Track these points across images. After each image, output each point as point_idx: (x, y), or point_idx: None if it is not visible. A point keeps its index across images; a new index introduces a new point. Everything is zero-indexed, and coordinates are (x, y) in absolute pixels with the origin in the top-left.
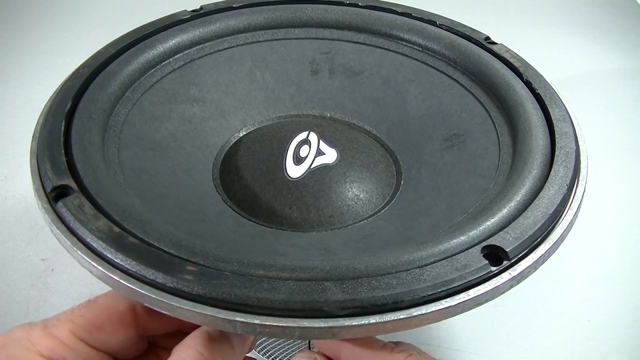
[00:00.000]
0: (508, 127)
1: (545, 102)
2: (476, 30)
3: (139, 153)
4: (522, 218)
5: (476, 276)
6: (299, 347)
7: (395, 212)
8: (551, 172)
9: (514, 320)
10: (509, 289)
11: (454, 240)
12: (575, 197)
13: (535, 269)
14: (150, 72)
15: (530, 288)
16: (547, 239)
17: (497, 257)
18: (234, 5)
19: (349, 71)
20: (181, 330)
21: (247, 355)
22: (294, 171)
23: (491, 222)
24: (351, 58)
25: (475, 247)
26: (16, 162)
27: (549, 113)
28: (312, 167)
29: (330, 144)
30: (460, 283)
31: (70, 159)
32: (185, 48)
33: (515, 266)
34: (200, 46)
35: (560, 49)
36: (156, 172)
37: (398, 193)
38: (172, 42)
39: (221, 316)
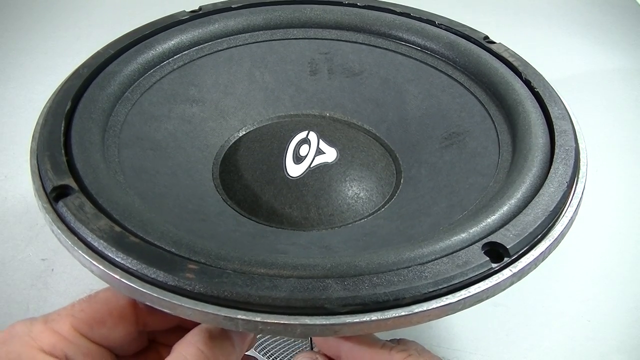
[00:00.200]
0: (507, 125)
1: (545, 100)
2: (475, 30)
3: (139, 153)
4: (523, 215)
5: (477, 273)
6: (298, 347)
7: (396, 211)
8: (551, 170)
9: (514, 320)
10: (510, 285)
11: (455, 238)
12: (575, 195)
13: (536, 265)
14: (149, 72)
15: (530, 288)
16: (548, 236)
17: (497, 254)
18: (232, 6)
19: (348, 71)
20: (181, 327)
21: (246, 354)
22: (294, 170)
23: (492, 219)
24: (350, 58)
25: (476, 244)
26: (16, 162)
27: (548, 111)
28: (312, 166)
29: (330, 143)
30: (461, 280)
31: (71, 158)
32: (185, 48)
33: (516, 263)
34: (200, 47)
35: (560, 49)
36: (156, 172)
37: (398, 192)
38: (171, 43)
39: (223, 314)
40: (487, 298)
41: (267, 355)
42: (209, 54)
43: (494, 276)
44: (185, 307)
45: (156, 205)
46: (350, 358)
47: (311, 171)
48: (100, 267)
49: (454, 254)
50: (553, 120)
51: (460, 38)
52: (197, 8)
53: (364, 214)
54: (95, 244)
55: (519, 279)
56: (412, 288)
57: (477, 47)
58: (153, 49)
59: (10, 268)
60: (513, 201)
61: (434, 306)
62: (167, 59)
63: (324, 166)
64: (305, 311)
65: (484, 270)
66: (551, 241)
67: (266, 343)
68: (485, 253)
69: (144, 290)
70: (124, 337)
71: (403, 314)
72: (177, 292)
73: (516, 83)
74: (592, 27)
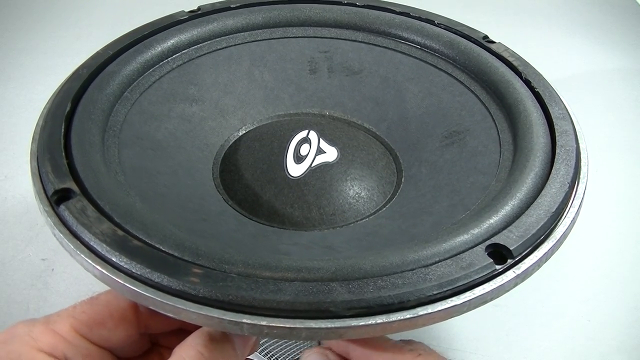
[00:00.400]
0: (508, 124)
1: (545, 100)
2: (474, 29)
3: (139, 153)
4: (525, 216)
5: (481, 275)
6: (300, 348)
7: (397, 210)
8: (552, 171)
9: (514, 320)
10: (514, 287)
11: (458, 239)
12: (576, 195)
13: (539, 266)
14: (148, 71)
15: (531, 288)
16: (550, 237)
17: (501, 255)
18: (231, 6)
19: (348, 70)
20: (183, 329)
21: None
22: (295, 170)
23: (494, 220)
24: (350, 57)
25: (480, 245)
26: (16, 162)
27: (549, 111)
28: (312, 165)
29: (331, 142)
30: (465, 282)
31: (71, 161)
32: (184, 48)
33: (520, 264)
34: (199, 46)
35: (560, 49)
36: (157, 171)
37: (399, 191)
38: (170, 42)
39: (228, 318)
40: (491, 300)
41: (268, 356)
42: (208, 53)
43: (497, 278)
44: (189, 312)
45: (157, 205)
46: (359, 356)
47: (312, 171)
48: (104, 271)
49: (458, 255)
50: (553, 120)
51: (460, 37)
52: (195, 8)
53: (366, 214)
54: (99, 248)
55: (523, 280)
56: (417, 291)
57: (477, 46)
58: (152, 49)
59: (10, 268)
60: (515, 202)
61: (439, 308)
62: (166, 58)
63: (324, 165)
64: (310, 314)
65: (488, 272)
66: (554, 242)
67: (267, 344)
68: (488, 255)
69: (148, 295)
70: (125, 339)
71: (408, 316)
72: (181, 297)
73: (516, 82)
74: (592, 27)
